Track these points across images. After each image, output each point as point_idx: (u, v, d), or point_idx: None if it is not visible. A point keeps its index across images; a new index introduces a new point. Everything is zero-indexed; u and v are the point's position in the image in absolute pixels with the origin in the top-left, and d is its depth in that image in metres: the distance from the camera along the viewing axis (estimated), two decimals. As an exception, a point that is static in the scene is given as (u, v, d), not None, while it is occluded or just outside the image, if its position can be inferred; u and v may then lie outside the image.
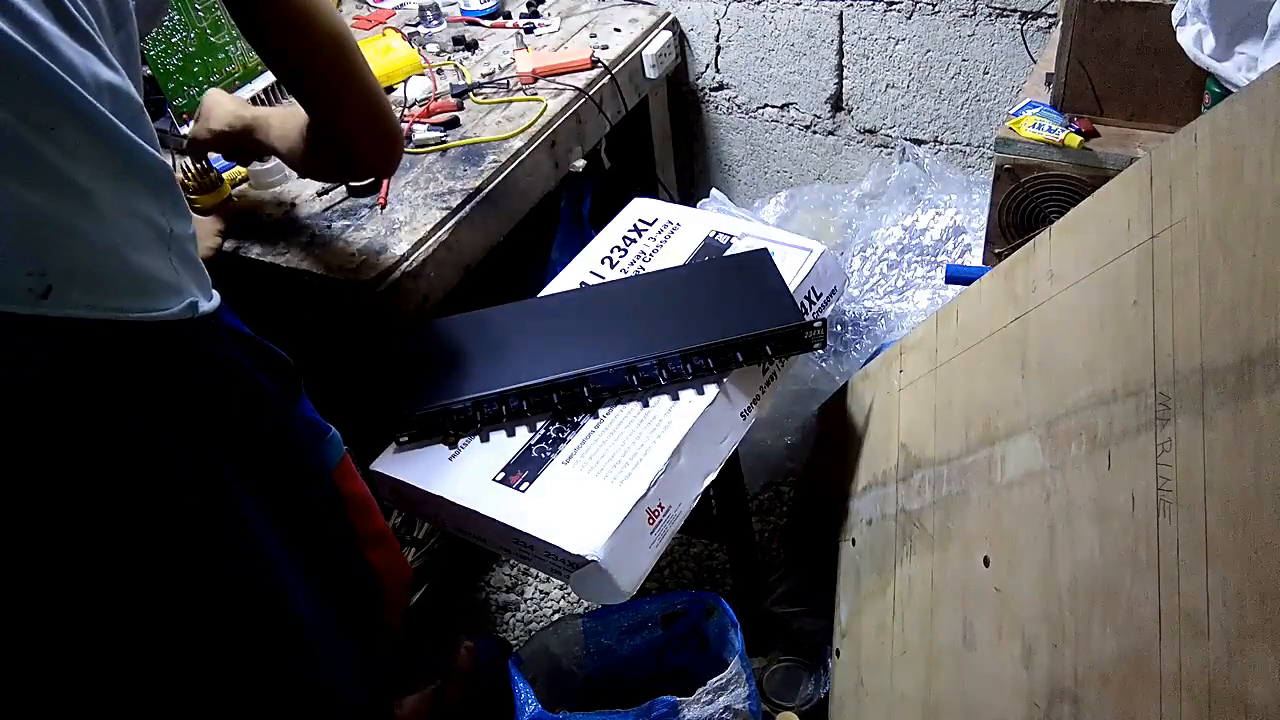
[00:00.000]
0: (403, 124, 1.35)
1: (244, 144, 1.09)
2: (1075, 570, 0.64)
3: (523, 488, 0.92)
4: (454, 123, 1.39)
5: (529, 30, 1.63)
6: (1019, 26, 1.49)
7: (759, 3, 1.68)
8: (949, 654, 0.83)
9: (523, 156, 1.35)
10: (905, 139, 1.71)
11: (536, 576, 1.55)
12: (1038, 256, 0.74)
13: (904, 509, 0.97)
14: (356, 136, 0.93)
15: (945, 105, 1.64)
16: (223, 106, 1.09)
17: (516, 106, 1.43)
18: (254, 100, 1.41)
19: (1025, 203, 1.23)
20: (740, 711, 1.04)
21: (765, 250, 1.11)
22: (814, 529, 1.33)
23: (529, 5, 1.72)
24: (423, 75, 1.48)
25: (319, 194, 1.25)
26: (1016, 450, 0.74)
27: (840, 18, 1.63)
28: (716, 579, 1.51)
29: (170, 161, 1.35)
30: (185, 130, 1.36)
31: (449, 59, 1.56)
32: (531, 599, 1.52)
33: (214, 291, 0.75)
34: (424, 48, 1.59)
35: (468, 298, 1.22)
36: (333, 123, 0.93)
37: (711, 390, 0.99)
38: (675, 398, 0.98)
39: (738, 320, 1.00)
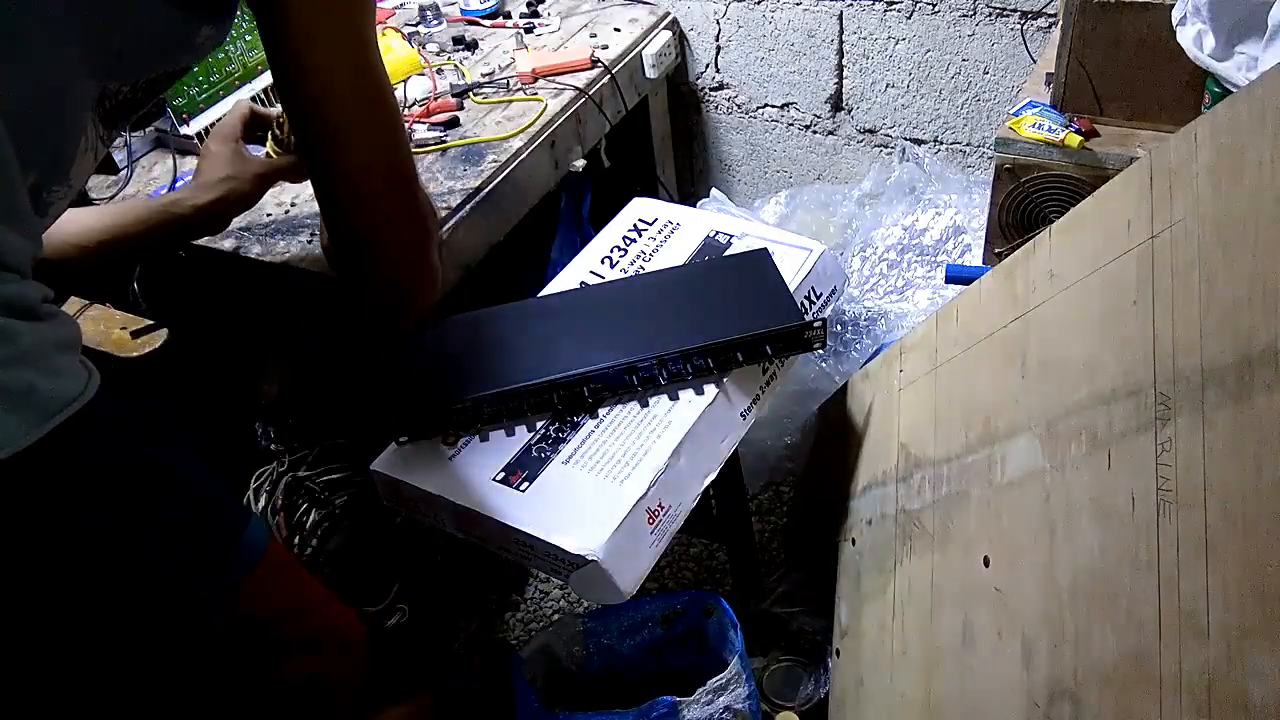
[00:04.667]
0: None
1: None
2: (1075, 570, 0.64)
3: (523, 488, 0.92)
4: (454, 122, 1.39)
5: (529, 30, 1.63)
6: (1019, 26, 1.49)
7: (759, 3, 1.68)
8: (949, 654, 0.83)
9: (523, 156, 1.35)
10: (905, 139, 1.71)
11: (536, 576, 1.55)
12: (1038, 256, 0.74)
13: (904, 509, 0.97)
14: (382, 283, 0.80)
15: (945, 105, 1.64)
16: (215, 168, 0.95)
17: (516, 106, 1.43)
18: (255, 99, 1.41)
19: (1025, 203, 1.23)
20: (740, 711, 1.04)
21: (765, 250, 1.11)
22: (814, 529, 1.33)
23: (529, 5, 1.72)
24: (423, 75, 1.48)
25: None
26: (1016, 450, 0.74)
27: (840, 18, 1.63)
28: (716, 579, 1.51)
29: (171, 164, 1.36)
30: (185, 130, 1.36)
31: (449, 59, 1.57)
32: (531, 599, 1.52)
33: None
34: (424, 47, 1.60)
35: (468, 298, 1.22)
36: (357, 261, 0.79)
37: (711, 390, 0.99)
38: (675, 398, 0.98)
39: (738, 320, 1.00)
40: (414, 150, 1.32)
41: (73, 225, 0.90)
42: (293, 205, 1.24)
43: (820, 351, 1.11)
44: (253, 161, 1.00)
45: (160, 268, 1.18)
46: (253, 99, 1.39)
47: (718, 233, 1.19)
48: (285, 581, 0.79)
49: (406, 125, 1.35)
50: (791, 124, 1.82)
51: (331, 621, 0.84)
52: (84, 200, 1.05)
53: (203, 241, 1.14)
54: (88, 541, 0.60)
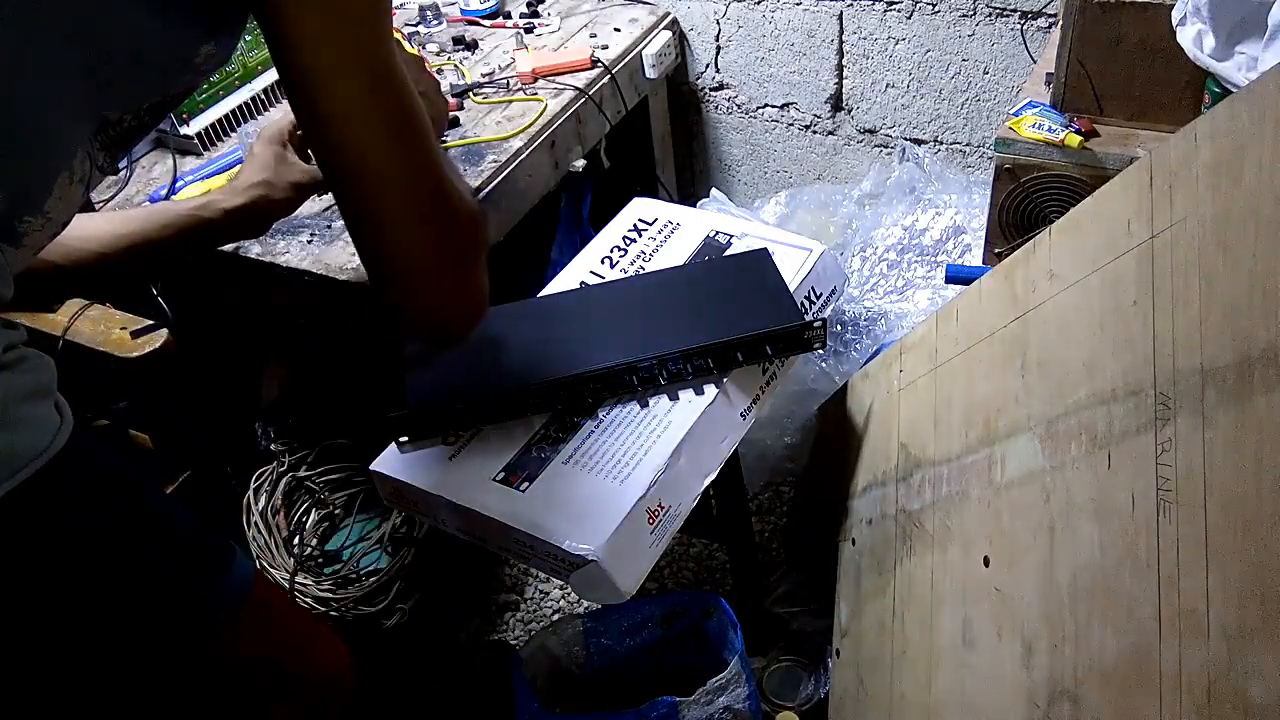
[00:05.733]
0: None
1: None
2: (1075, 570, 0.64)
3: (523, 488, 0.92)
4: (454, 123, 1.39)
5: (529, 30, 1.63)
6: (1019, 26, 1.49)
7: (759, 3, 1.68)
8: (949, 654, 0.83)
9: (523, 156, 1.35)
10: (905, 139, 1.71)
11: (536, 576, 1.55)
12: (1038, 256, 0.74)
13: (904, 509, 0.97)
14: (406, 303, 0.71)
15: (945, 105, 1.64)
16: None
17: (516, 106, 1.43)
18: (254, 100, 1.41)
19: (1025, 203, 1.23)
20: (740, 711, 1.04)
21: (765, 250, 1.11)
22: (814, 529, 1.33)
23: (529, 5, 1.72)
24: (423, 75, 1.48)
25: (319, 194, 1.25)
26: (1016, 450, 0.74)
27: (840, 18, 1.63)
28: (716, 579, 1.51)
29: (171, 164, 1.36)
30: (185, 130, 1.36)
31: (449, 59, 1.57)
32: (531, 599, 1.52)
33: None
34: (424, 47, 1.60)
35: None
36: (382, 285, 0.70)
37: (711, 390, 0.99)
38: (675, 398, 0.98)
39: (738, 320, 1.00)
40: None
41: (94, 232, 0.86)
42: (293, 205, 1.24)
43: (820, 351, 1.11)
44: (293, 168, 0.96)
45: (184, 273, 1.17)
46: (253, 99, 1.39)
47: (718, 233, 1.19)
48: (273, 620, 0.77)
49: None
50: (791, 124, 1.82)
51: (321, 660, 0.83)
52: (84, 203, 1.04)
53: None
54: (68, 575, 0.59)
